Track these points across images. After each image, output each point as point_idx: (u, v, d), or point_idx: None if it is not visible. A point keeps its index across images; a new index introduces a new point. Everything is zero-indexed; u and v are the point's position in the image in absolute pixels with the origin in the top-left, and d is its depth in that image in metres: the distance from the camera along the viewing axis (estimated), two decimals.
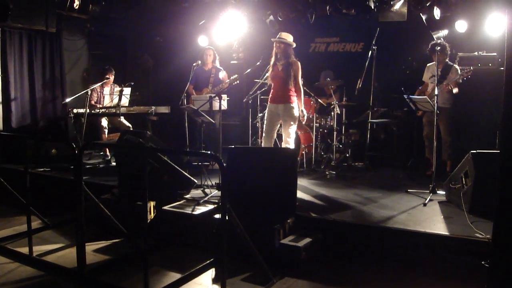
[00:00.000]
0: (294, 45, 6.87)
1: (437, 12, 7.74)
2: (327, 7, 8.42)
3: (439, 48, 6.72)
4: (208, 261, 4.59)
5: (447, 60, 7.25)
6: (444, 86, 6.90)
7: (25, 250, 5.10)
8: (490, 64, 7.55)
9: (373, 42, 7.71)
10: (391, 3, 7.91)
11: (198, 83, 8.51)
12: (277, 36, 6.86)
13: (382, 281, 4.53)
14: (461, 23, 7.74)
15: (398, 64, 8.90)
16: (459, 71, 7.09)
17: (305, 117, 6.92)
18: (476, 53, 7.73)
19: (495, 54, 7.58)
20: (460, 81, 6.84)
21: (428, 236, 4.71)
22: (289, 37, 6.84)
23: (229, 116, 9.35)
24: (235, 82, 7.25)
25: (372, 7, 7.86)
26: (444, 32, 8.17)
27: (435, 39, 7.84)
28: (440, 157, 7.21)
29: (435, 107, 6.27)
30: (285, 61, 6.80)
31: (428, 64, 7.50)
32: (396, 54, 8.80)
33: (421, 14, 8.00)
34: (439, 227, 4.91)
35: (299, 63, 6.84)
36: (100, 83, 8.80)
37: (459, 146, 7.22)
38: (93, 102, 8.82)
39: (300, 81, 6.85)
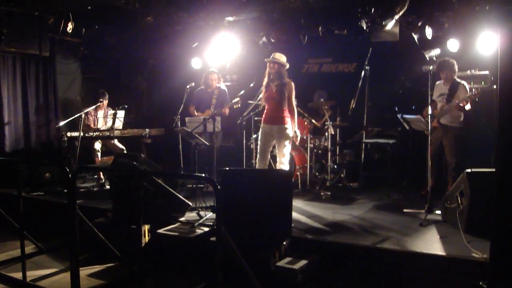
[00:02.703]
0: (288, 65, 6.89)
1: (429, 32, 7.80)
2: (320, 28, 8.48)
3: (444, 67, 6.72)
4: (203, 284, 4.54)
5: (455, 77, 7.15)
6: (455, 105, 6.83)
7: (18, 275, 5.05)
8: (482, 83, 7.59)
9: (366, 62, 7.75)
10: (383, 23, 7.96)
11: (200, 104, 8.52)
12: (271, 57, 6.88)
13: None
14: (453, 42, 7.80)
15: (391, 83, 8.94)
16: (467, 87, 6.99)
17: (299, 138, 6.91)
18: (468, 71, 7.77)
19: (487, 72, 7.63)
20: (474, 98, 6.68)
21: (425, 256, 4.69)
22: (282, 58, 6.86)
23: (224, 138, 9.34)
24: (237, 106, 7.24)
25: (364, 28, 7.92)
26: (436, 51, 8.22)
27: (427, 58, 7.88)
28: (436, 177, 7.19)
29: (428, 126, 6.26)
30: (279, 82, 6.80)
31: (436, 82, 7.40)
32: (389, 73, 8.84)
33: (413, 33, 8.06)
34: (435, 247, 4.89)
35: (292, 84, 6.85)
36: (94, 107, 8.77)
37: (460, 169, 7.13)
38: (92, 125, 8.82)
39: (294, 102, 6.85)
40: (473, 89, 6.85)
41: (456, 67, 7.10)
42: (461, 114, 7.06)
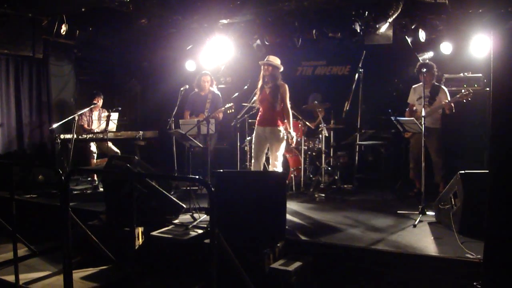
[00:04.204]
0: (282, 68, 6.91)
1: (422, 35, 7.85)
2: (314, 31, 8.51)
3: (425, 69, 6.77)
4: (197, 287, 4.52)
5: (434, 81, 7.28)
6: (446, 104, 6.89)
7: (11, 278, 5.00)
8: (475, 85, 7.63)
9: (360, 65, 7.76)
10: (377, 26, 8.00)
11: (194, 108, 8.50)
12: (265, 59, 6.89)
13: None
14: (446, 45, 7.84)
15: (385, 86, 8.97)
16: (447, 91, 7.14)
17: (294, 140, 6.92)
18: (461, 74, 7.81)
19: (480, 75, 7.68)
20: (467, 98, 6.75)
21: (419, 257, 4.70)
22: (276, 60, 6.88)
23: (218, 140, 9.33)
24: (230, 111, 7.24)
25: (358, 31, 7.95)
26: (429, 54, 8.27)
27: (421, 61, 7.92)
28: (430, 178, 7.20)
29: (422, 128, 6.27)
30: (273, 84, 6.81)
31: (414, 86, 7.50)
32: (382, 76, 8.88)
33: (406, 36, 8.11)
34: (429, 248, 4.90)
35: (286, 86, 6.85)
36: (88, 108, 8.75)
37: (447, 167, 7.22)
38: (85, 126, 8.81)
39: (288, 104, 6.86)
40: (464, 90, 6.88)
41: (436, 70, 7.20)
42: (440, 116, 7.22)
